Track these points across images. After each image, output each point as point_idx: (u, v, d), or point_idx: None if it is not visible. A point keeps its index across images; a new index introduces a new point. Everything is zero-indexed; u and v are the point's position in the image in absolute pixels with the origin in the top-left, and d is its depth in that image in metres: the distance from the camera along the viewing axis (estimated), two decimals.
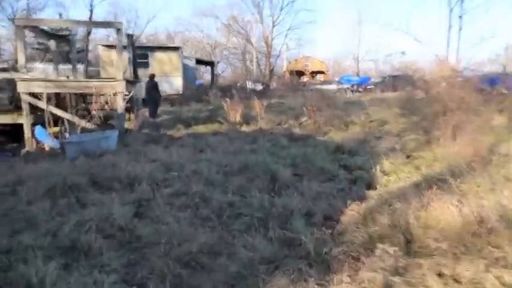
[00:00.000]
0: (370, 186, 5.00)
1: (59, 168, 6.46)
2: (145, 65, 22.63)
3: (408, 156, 6.47)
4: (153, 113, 13.88)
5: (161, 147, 8.55)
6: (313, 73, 52.18)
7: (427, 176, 4.84)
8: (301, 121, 11.78)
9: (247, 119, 12.40)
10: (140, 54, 19.81)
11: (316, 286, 2.65)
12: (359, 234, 3.37)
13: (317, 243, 3.29)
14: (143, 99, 15.00)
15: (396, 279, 2.65)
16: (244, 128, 11.36)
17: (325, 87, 31.05)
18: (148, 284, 2.96)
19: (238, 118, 11.62)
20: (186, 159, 7.12)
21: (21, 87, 8.28)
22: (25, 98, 8.30)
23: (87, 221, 4.04)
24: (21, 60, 8.85)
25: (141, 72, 17.72)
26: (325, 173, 5.50)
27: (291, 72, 39.48)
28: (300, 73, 45.65)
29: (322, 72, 53.86)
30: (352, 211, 3.98)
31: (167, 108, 17.82)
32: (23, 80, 8.18)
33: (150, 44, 30.59)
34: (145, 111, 14.19)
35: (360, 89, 33.32)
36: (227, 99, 12.35)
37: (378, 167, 5.47)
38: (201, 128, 11.73)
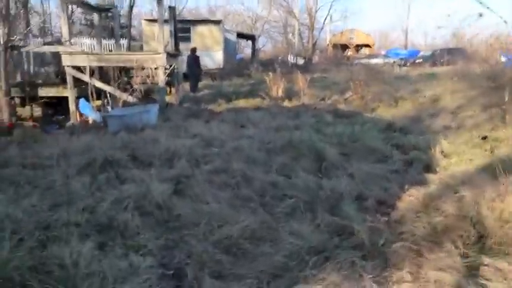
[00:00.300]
0: (429, 168, 4.52)
1: (101, 143, 6.43)
2: (187, 39, 22.44)
3: (479, 137, 5.81)
4: (194, 87, 13.73)
5: (202, 122, 8.36)
6: (358, 46, 50.04)
7: (496, 159, 4.28)
8: (347, 97, 11.18)
9: (289, 94, 11.95)
10: (182, 28, 19.60)
11: (373, 285, 2.31)
12: (420, 225, 2.97)
13: (372, 233, 2.93)
14: (184, 73, 14.89)
15: (469, 281, 2.26)
16: (287, 104, 10.95)
17: (370, 61, 29.69)
18: (186, 269, 2.75)
19: (280, 93, 11.21)
20: (226, 135, 6.88)
21: (65, 61, 8.31)
22: (69, 71, 8.33)
23: (125, 198, 3.89)
24: (65, 33, 8.87)
25: (182, 46, 17.55)
26: (376, 153, 5.05)
27: (335, 46, 37.98)
28: (344, 47, 43.90)
29: (367, 46, 51.59)
30: (410, 196, 3.56)
31: (208, 83, 17.66)
32: (67, 53, 8.18)
33: (191, 18, 30.37)
34: (186, 85, 14.08)
35: (408, 63, 31.58)
36: (269, 73, 11.91)
37: (436, 148, 4.94)
38: (242, 103, 11.44)
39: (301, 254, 2.72)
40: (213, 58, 23.06)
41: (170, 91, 11.53)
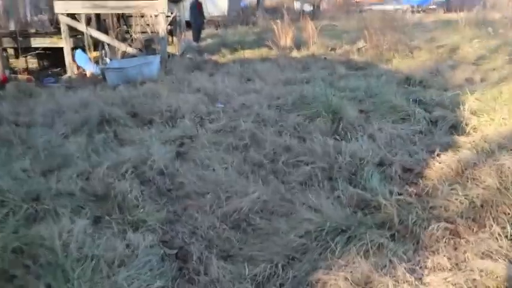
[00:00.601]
0: (456, 129, 4.09)
1: (99, 98, 6.02)
2: None
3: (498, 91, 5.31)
4: (197, 36, 13.01)
5: (205, 74, 7.85)
6: None
7: None
8: (360, 46, 10.48)
9: (297, 44, 11.24)
10: None
11: (408, 275, 1.99)
12: (456, 198, 2.60)
13: (399, 208, 2.59)
14: (187, 21, 14.08)
15: None
16: (295, 54, 10.30)
17: (380, 7, 28.23)
18: (191, 248, 2.44)
19: (288, 42, 10.52)
20: (232, 89, 6.42)
21: (58, 8, 7.67)
22: (63, 20, 7.72)
23: (124, 163, 3.55)
24: None
25: None
26: (397, 111, 4.60)
27: None
28: None
29: None
30: (440, 163, 3.17)
31: (211, 31, 16.81)
32: None
33: None
34: (188, 34, 13.35)
35: (421, 10, 30.00)
36: (277, 20, 11.14)
37: (465, 105, 4.48)
38: (247, 53, 10.79)
39: (320, 232, 2.39)
40: (217, 5, 21.88)
41: (172, 41, 10.86)
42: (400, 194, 2.77)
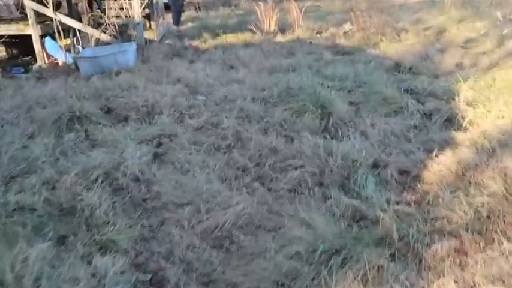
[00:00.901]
0: (452, 122, 3.86)
1: (70, 90, 5.60)
2: None
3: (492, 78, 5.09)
4: (177, 20, 12.44)
5: (186, 62, 7.45)
6: None
7: None
8: (346, 30, 10.14)
9: (282, 27, 10.84)
10: None
11: None
12: (459, 208, 2.37)
13: (398, 219, 2.35)
14: (165, 3, 13.47)
15: None
16: (280, 38, 9.92)
17: None
18: (167, 273, 2.17)
19: (272, 26, 10.12)
20: (214, 79, 6.07)
21: None
22: (29, 4, 7.16)
23: (95, 168, 3.22)
24: None
25: None
26: (389, 103, 4.34)
27: None
28: None
29: None
30: (439, 164, 2.94)
31: (192, 14, 16.18)
32: None
33: None
34: (168, 18, 12.77)
35: None
36: (260, 2, 10.68)
37: (460, 96, 4.25)
38: (230, 38, 10.36)
39: (312, 254, 2.13)
40: None
41: (150, 25, 10.33)
42: (398, 203, 2.53)
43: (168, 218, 2.66)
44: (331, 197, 2.64)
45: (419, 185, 2.79)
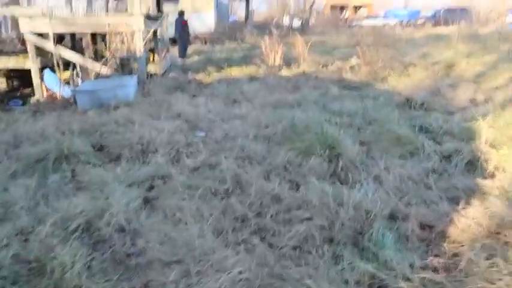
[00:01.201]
0: (474, 166, 3.49)
1: (64, 125, 5.33)
2: (175, 0, 20.73)
3: None
4: (183, 53, 12.40)
5: (188, 96, 7.22)
6: (356, 7, 47.84)
7: None
8: (352, 64, 9.97)
9: (287, 60, 10.71)
10: None
11: None
12: (495, 273, 1.97)
13: None
14: (171, 39, 13.52)
15: None
16: (285, 72, 9.76)
17: (369, 22, 28.24)
18: None
19: (277, 60, 9.97)
20: (216, 114, 5.80)
21: (23, 26, 6.99)
22: (29, 39, 7.05)
23: (75, 216, 2.87)
24: None
25: (170, 7, 16.00)
26: (402, 142, 4.00)
27: (332, 7, 36.02)
28: (341, 8, 41.83)
29: (365, 6, 49.30)
30: (467, 218, 2.55)
31: (198, 47, 16.27)
32: (25, 16, 6.87)
33: None
34: (174, 50, 12.75)
35: (410, 24, 29.95)
36: (265, 36, 10.60)
37: (480, 135, 3.90)
38: (234, 71, 10.23)
39: None
40: (204, 20, 21.44)
41: (153, 59, 10.25)
42: (423, 269, 2.13)
43: (152, 281, 2.27)
44: (343, 259, 2.25)
45: (445, 245, 2.39)
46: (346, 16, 38.82)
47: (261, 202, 2.88)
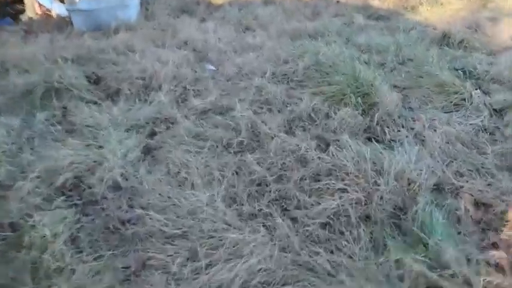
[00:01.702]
0: None
1: (57, 50, 4.74)
2: None
3: None
4: None
5: (196, 20, 6.45)
6: None
7: None
8: None
9: None
10: None
11: None
12: None
13: None
14: None
15: None
16: None
17: None
18: None
19: None
20: (227, 43, 5.14)
21: None
22: None
23: (63, 169, 2.45)
24: None
25: None
26: (445, 90, 3.40)
27: None
28: None
29: None
30: None
31: None
32: None
33: None
34: None
35: None
36: None
37: None
38: None
39: None
40: None
41: None
42: (488, 263, 1.72)
43: (152, 259, 1.89)
44: (385, 246, 1.84)
45: (505, 230, 1.96)
46: None
47: (283, 162, 2.42)
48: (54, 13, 6.64)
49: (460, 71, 3.92)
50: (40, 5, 6.68)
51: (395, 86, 3.61)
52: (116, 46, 4.86)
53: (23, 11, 7.32)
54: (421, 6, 7.68)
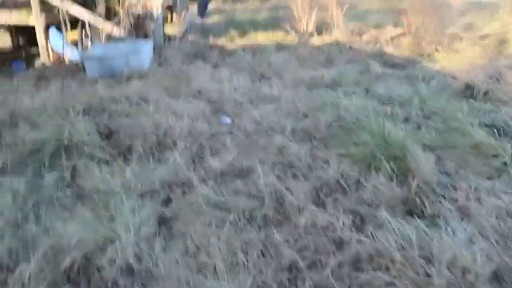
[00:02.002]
0: None
1: (68, 99, 4.61)
2: None
3: None
4: (203, 11, 11.36)
5: (209, 66, 6.39)
6: None
7: None
8: (392, 35, 8.88)
9: (318, 26, 9.62)
10: None
11: None
12: None
13: None
14: None
15: None
16: (316, 41, 8.75)
17: None
18: None
19: (310, 26, 8.93)
20: (242, 94, 5.00)
21: None
22: None
23: (70, 249, 2.19)
24: None
25: None
26: (481, 152, 3.17)
27: None
28: None
29: None
30: None
31: (218, 6, 15.08)
32: None
33: None
34: (193, 7, 11.69)
35: None
36: None
37: None
38: (260, 37, 9.26)
39: None
40: None
41: (171, 19, 9.29)
42: None
43: None
44: None
45: None
46: None
47: (315, 244, 2.15)
48: (67, 59, 6.61)
49: (493, 128, 3.70)
50: (53, 49, 6.67)
51: (425, 145, 3.37)
52: (128, 95, 4.73)
53: (37, 55, 7.33)
54: (437, 54, 7.60)
